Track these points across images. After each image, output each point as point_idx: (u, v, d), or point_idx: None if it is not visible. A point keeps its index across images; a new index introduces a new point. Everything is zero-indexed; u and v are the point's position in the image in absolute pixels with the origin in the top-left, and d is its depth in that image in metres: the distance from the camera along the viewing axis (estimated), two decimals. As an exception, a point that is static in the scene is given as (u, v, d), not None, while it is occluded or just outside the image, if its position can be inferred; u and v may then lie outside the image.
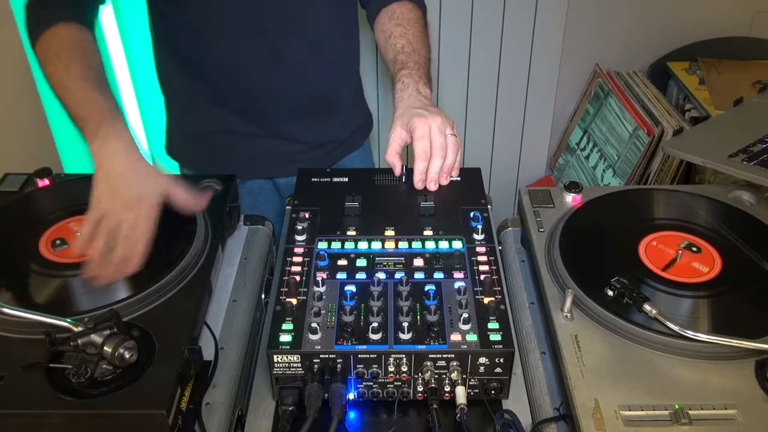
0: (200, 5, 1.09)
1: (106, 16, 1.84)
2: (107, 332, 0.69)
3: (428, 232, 0.93)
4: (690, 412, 0.69)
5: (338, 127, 1.29)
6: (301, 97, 1.20)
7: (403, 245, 0.91)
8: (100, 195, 0.84)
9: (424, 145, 0.99)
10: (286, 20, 1.12)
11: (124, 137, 0.88)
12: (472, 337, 0.77)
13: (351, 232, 0.93)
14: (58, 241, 0.88)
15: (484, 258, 0.88)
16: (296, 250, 0.90)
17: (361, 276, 0.85)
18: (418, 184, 1.01)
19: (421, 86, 1.08)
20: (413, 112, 1.01)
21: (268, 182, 1.30)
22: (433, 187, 1.01)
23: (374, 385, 0.79)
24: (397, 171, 1.03)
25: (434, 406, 0.76)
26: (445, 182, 1.02)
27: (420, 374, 0.77)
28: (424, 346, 0.76)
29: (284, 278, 0.84)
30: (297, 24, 1.13)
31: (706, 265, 0.86)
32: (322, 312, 0.80)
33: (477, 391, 0.78)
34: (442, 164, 1.00)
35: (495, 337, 0.77)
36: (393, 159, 1.03)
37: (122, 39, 1.82)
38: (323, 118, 1.25)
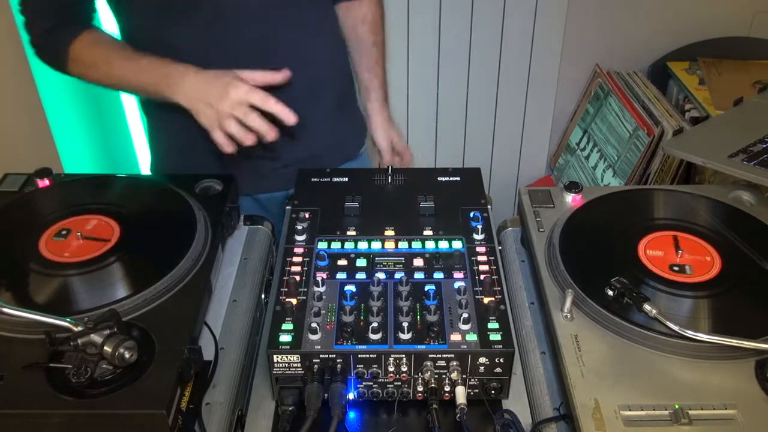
0: (188, 24, 1.08)
1: (106, 16, 1.84)
2: (107, 332, 0.69)
3: (428, 232, 0.93)
4: (690, 412, 0.69)
5: (316, 141, 1.22)
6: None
7: (403, 245, 0.91)
8: (200, 109, 1.01)
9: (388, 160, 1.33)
10: (258, 36, 1.11)
11: (189, 70, 1.02)
12: (472, 337, 0.77)
13: (351, 232, 0.93)
14: (64, 231, 0.89)
15: (484, 258, 0.88)
16: (296, 250, 0.90)
17: (361, 276, 0.85)
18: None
19: (386, 105, 1.36)
20: (379, 141, 1.34)
21: (247, 198, 1.26)
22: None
23: (374, 385, 0.79)
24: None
25: (434, 406, 0.76)
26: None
27: (420, 374, 0.77)
28: (424, 346, 0.76)
29: (284, 278, 0.84)
30: (273, 37, 1.12)
31: (706, 265, 0.86)
32: (322, 312, 0.80)
33: (477, 391, 0.78)
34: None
35: (495, 337, 0.77)
36: (389, 157, 1.34)
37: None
38: (302, 131, 1.17)
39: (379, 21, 1.32)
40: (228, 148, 1.02)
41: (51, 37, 1.09)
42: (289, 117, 1.02)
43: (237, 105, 0.99)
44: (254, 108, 1.00)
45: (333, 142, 1.27)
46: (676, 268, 0.85)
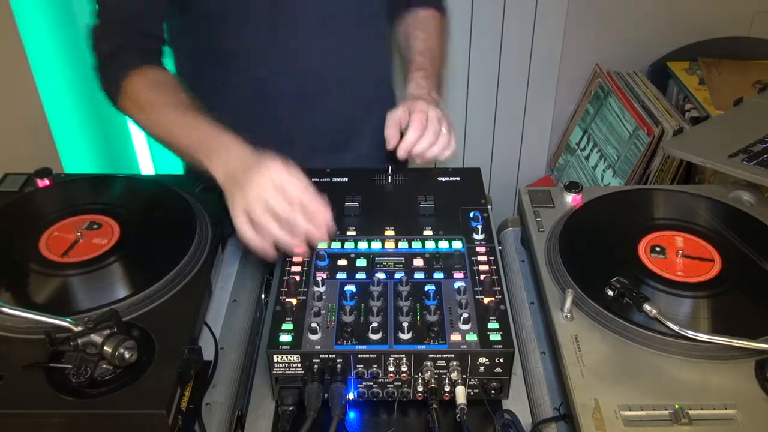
0: (233, 36, 1.07)
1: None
2: (107, 332, 0.69)
3: (428, 232, 0.93)
4: (690, 412, 0.69)
5: (356, 157, 1.23)
6: (323, 127, 1.17)
7: (403, 245, 0.91)
8: (235, 202, 0.83)
9: (422, 118, 1.00)
10: (314, 49, 1.10)
11: (235, 145, 0.88)
12: (472, 337, 0.77)
13: (351, 232, 0.93)
14: (95, 226, 0.89)
15: (484, 258, 0.88)
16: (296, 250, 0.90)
17: (361, 276, 0.85)
18: (401, 153, 1.01)
19: (434, 92, 1.10)
20: (419, 100, 1.04)
21: None
22: (408, 156, 1.02)
23: (374, 385, 0.79)
24: (391, 144, 1.02)
25: (434, 406, 0.76)
26: (419, 161, 1.04)
27: (420, 374, 0.77)
28: (424, 346, 0.76)
29: (284, 278, 0.84)
30: (327, 49, 1.11)
31: (706, 265, 0.86)
32: (322, 312, 0.80)
33: (477, 391, 0.78)
34: (428, 146, 1.01)
35: (495, 337, 0.77)
36: (391, 131, 1.02)
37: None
38: (342, 148, 1.21)
39: (435, 27, 1.22)
40: (248, 239, 0.83)
41: (112, 62, 1.01)
42: (325, 215, 0.85)
43: (268, 186, 0.82)
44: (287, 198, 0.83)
45: (378, 155, 1.25)
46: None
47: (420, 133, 1.00)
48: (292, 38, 1.09)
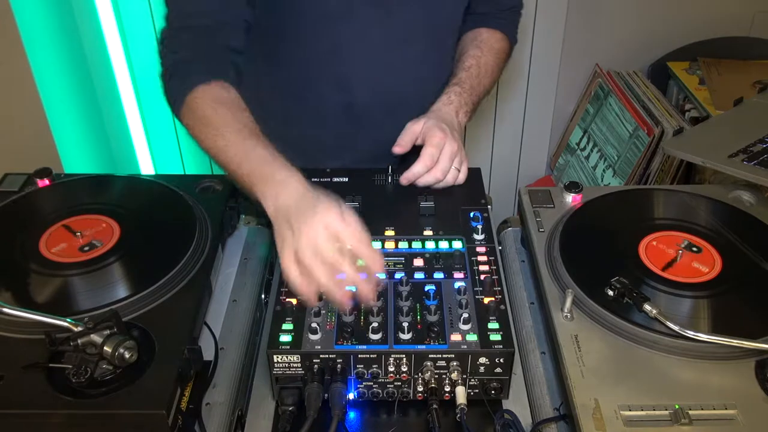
0: (303, 47, 1.06)
1: (105, 16, 1.84)
2: (107, 332, 0.69)
3: (428, 232, 0.93)
4: (690, 412, 0.69)
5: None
6: (368, 147, 1.15)
7: (403, 245, 0.91)
8: (285, 240, 0.78)
9: (434, 153, 0.99)
10: (374, 68, 1.08)
11: (292, 180, 0.83)
12: (472, 337, 0.77)
13: (351, 232, 0.93)
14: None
15: (484, 258, 0.88)
16: (296, 250, 0.90)
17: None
18: (403, 180, 1.01)
19: (462, 114, 1.08)
20: (441, 126, 1.02)
21: None
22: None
23: (374, 385, 0.79)
24: (398, 150, 1.02)
25: (434, 406, 0.76)
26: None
27: (420, 374, 0.77)
28: (424, 346, 0.76)
29: (284, 278, 0.84)
30: (385, 74, 1.09)
31: (706, 265, 0.86)
32: (322, 312, 0.80)
33: (477, 391, 0.78)
34: (433, 182, 1.01)
35: (495, 337, 0.77)
36: (402, 141, 1.02)
37: (122, 39, 1.82)
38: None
39: (492, 48, 1.18)
40: (293, 281, 0.77)
41: (179, 73, 0.95)
42: (377, 268, 0.78)
43: (321, 229, 0.77)
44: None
45: None
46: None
47: (427, 169, 1.00)
48: (349, 59, 1.06)
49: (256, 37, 1.01)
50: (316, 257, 0.76)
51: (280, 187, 0.82)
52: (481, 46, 1.16)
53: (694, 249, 0.88)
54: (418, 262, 0.88)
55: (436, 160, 0.99)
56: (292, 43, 1.05)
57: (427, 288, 0.83)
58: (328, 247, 0.76)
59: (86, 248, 0.86)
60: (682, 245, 0.89)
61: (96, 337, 0.68)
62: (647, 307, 0.78)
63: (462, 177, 1.03)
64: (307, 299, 0.77)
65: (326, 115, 1.12)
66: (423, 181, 1.01)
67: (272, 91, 1.12)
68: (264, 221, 1.06)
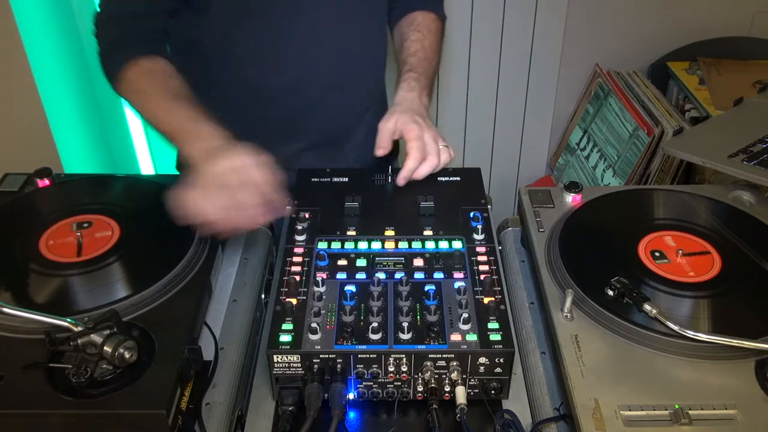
0: (234, 35, 1.08)
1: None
2: (107, 332, 0.69)
3: (428, 232, 0.93)
4: (690, 412, 0.69)
5: (351, 157, 1.25)
6: (322, 125, 1.19)
7: (403, 245, 0.91)
8: (194, 177, 0.85)
9: (420, 146, 1.02)
10: (311, 50, 1.11)
11: (213, 135, 0.91)
12: (472, 337, 0.77)
13: (351, 232, 0.93)
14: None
15: (484, 258, 0.88)
16: (296, 250, 0.90)
17: (361, 276, 0.85)
18: (400, 180, 1.03)
19: (424, 96, 1.12)
20: (413, 117, 1.04)
21: None
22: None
23: (374, 385, 0.79)
24: (381, 152, 1.04)
25: (434, 406, 0.76)
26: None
27: (420, 374, 0.77)
28: (424, 346, 0.76)
29: (284, 278, 0.84)
30: (324, 52, 1.12)
31: (706, 265, 0.86)
32: (322, 312, 0.80)
33: (477, 391, 0.78)
34: (431, 169, 1.03)
35: (495, 337, 0.77)
36: (383, 143, 1.04)
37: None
38: (337, 148, 1.23)
39: (431, 30, 1.22)
40: (187, 205, 0.83)
41: (114, 51, 1.04)
42: (281, 212, 0.92)
43: (228, 165, 0.85)
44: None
45: (368, 159, 1.26)
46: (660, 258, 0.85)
47: (418, 162, 1.02)
48: (287, 39, 1.09)
49: (197, 22, 1.08)
50: (215, 182, 0.84)
51: (201, 139, 0.91)
52: (421, 29, 1.20)
53: (694, 249, 0.88)
54: (418, 262, 0.88)
55: (424, 150, 1.02)
56: (234, 27, 1.08)
57: (427, 288, 0.83)
58: (230, 178, 0.84)
59: (86, 248, 0.86)
60: (682, 246, 0.89)
61: (96, 337, 0.69)
62: (647, 307, 0.78)
63: (452, 152, 1.06)
64: (193, 220, 0.84)
65: (272, 96, 1.14)
66: (421, 172, 1.02)
67: (221, 77, 1.14)
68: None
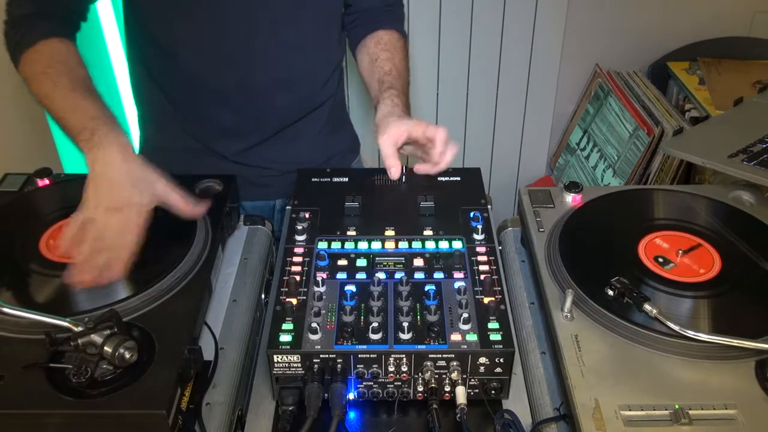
0: (174, 27, 1.08)
1: (105, 15, 1.84)
2: (107, 332, 0.69)
3: (428, 232, 0.93)
4: (690, 412, 0.69)
5: (307, 153, 1.24)
6: (270, 122, 1.19)
7: (403, 245, 0.91)
8: (87, 199, 0.83)
9: (442, 131, 1.02)
10: (256, 48, 1.10)
11: (118, 143, 0.86)
12: (472, 337, 0.77)
13: (351, 232, 0.93)
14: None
15: (484, 258, 0.88)
16: (296, 250, 0.90)
17: (361, 276, 0.85)
18: (425, 168, 1.04)
19: (407, 111, 1.11)
20: (412, 121, 1.04)
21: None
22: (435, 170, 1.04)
23: (374, 385, 0.79)
24: (396, 174, 1.02)
25: (434, 406, 0.76)
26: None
27: (420, 374, 0.77)
28: (424, 346, 0.76)
29: (284, 278, 0.84)
30: (269, 51, 1.11)
31: (706, 266, 0.86)
32: (322, 312, 0.80)
33: (477, 391, 0.78)
34: (454, 156, 1.04)
35: (495, 337, 0.77)
36: (392, 161, 1.01)
37: (122, 39, 1.82)
38: (292, 144, 1.22)
39: (398, 48, 1.22)
40: (64, 244, 0.82)
41: (23, 26, 0.99)
42: (192, 212, 0.89)
43: (115, 220, 0.82)
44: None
45: (323, 157, 1.28)
46: (661, 260, 0.85)
47: (446, 144, 1.02)
48: (227, 34, 1.08)
49: (145, 20, 1.07)
50: (94, 245, 0.81)
51: (99, 150, 0.85)
52: (389, 48, 1.20)
53: (694, 249, 0.88)
54: (418, 262, 0.88)
55: (446, 140, 1.02)
56: (180, 24, 1.07)
57: (427, 288, 0.83)
58: (106, 248, 0.81)
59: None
60: (682, 245, 0.89)
61: (96, 337, 0.69)
62: (647, 307, 0.78)
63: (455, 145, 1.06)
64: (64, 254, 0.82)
65: (221, 93, 1.13)
66: (446, 159, 1.03)
67: (169, 76, 1.14)
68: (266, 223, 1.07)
